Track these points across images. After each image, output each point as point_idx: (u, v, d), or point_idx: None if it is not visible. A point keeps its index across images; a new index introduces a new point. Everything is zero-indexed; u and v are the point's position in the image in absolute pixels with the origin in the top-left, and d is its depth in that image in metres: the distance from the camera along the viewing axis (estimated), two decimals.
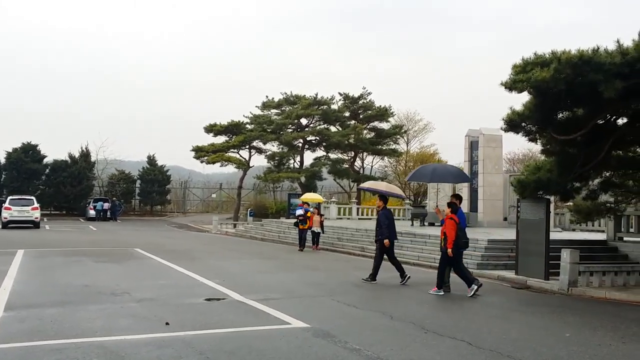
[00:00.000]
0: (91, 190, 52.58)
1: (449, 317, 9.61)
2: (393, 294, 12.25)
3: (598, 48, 12.14)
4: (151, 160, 55.78)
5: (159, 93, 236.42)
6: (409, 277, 13.65)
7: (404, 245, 20.93)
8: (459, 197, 13.14)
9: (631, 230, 18.05)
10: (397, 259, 14.01)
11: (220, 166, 46.12)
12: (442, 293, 12.23)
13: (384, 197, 14.50)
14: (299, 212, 23.71)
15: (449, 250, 12.04)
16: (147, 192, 54.58)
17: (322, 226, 23.52)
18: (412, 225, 27.48)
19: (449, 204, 12.50)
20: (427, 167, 16.27)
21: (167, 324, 8.40)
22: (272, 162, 44.84)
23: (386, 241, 13.63)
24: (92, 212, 45.05)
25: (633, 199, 17.63)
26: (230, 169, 48.17)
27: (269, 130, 44.21)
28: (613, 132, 14.37)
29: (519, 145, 73.76)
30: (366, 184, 19.04)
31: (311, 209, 23.69)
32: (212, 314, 9.39)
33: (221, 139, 45.90)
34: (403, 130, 48.95)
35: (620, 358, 7.12)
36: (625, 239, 18.00)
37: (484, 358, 6.89)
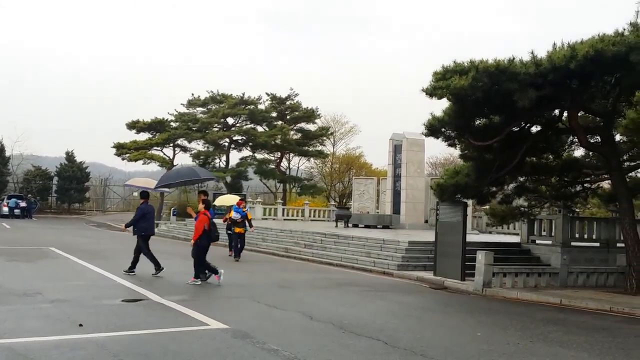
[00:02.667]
0: (5, 186, 50.21)
1: (368, 317, 9.77)
2: (315, 295, 12.34)
3: (514, 58, 12.66)
4: (70, 156, 53.78)
5: (80, 87, 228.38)
6: (135, 272, 13.87)
7: (328, 247, 21.15)
8: (206, 194, 14.42)
9: (543, 233, 18.91)
10: (152, 254, 14.18)
11: (143, 164, 45.16)
12: (200, 282, 12.94)
13: (145, 193, 14.98)
14: (236, 215, 19.61)
15: (196, 242, 12.99)
16: (64, 189, 52.57)
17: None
18: (337, 226, 27.79)
19: (203, 201, 13.55)
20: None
21: (80, 325, 8.13)
22: (197, 161, 44.21)
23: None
24: (5, 209, 43.15)
25: (545, 203, 18.51)
26: (154, 167, 47.24)
27: (194, 128, 43.64)
28: (527, 139, 15.04)
29: (441, 150, 75.77)
30: (129, 182, 19.23)
31: (248, 209, 20.61)
32: (129, 316, 9.17)
33: (144, 136, 44.94)
34: (329, 132, 49.40)
35: (528, 356, 7.44)
36: (537, 241, 18.84)
37: (398, 357, 7.06)
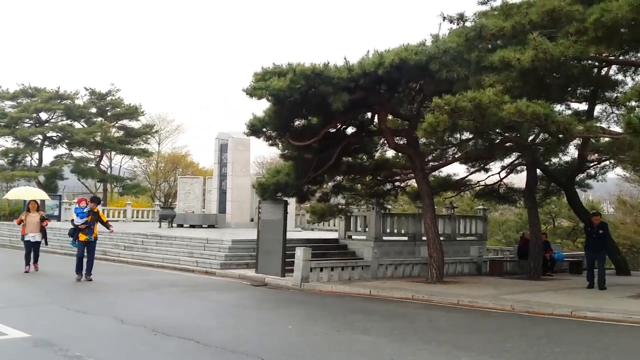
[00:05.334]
0: None
1: (183, 317, 9.68)
2: (130, 297, 11.95)
3: (328, 63, 13.28)
4: None
5: None
6: None
7: (149, 248, 20.56)
8: None
9: (359, 229, 19.98)
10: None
11: None
12: None
13: None
14: (79, 219, 14.62)
15: None
16: None
17: (44, 233, 16.44)
18: (160, 226, 27.10)
19: None
20: None
21: None
22: (5, 159, 40.63)
23: None
24: None
25: (361, 201, 19.61)
26: None
27: (2, 124, 40.00)
28: (343, 140, 15.84)
29: (268, 150, 76.82)
30: None
31: (86, 209, 14.69)
32: None
33: None
34: (154, 130, 47.87)
35: (332, 345, 7.85)
36: (353, 237, 19.88)
37: (209, 355, 7.08)
